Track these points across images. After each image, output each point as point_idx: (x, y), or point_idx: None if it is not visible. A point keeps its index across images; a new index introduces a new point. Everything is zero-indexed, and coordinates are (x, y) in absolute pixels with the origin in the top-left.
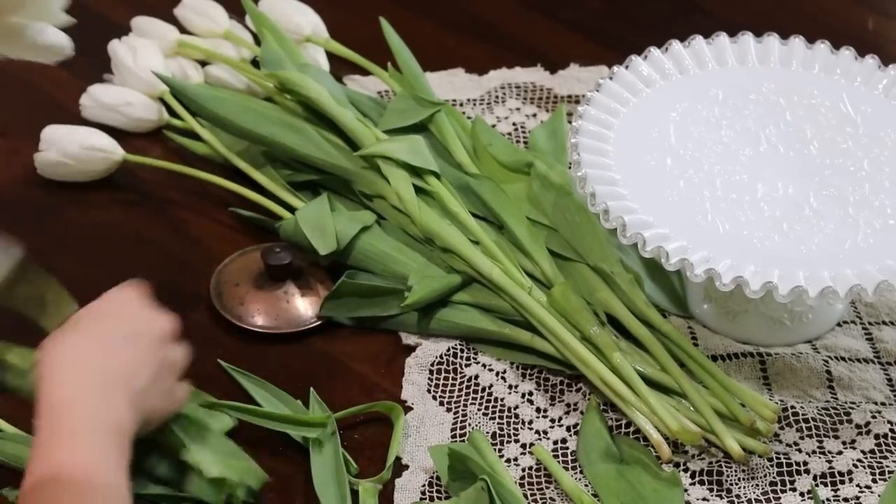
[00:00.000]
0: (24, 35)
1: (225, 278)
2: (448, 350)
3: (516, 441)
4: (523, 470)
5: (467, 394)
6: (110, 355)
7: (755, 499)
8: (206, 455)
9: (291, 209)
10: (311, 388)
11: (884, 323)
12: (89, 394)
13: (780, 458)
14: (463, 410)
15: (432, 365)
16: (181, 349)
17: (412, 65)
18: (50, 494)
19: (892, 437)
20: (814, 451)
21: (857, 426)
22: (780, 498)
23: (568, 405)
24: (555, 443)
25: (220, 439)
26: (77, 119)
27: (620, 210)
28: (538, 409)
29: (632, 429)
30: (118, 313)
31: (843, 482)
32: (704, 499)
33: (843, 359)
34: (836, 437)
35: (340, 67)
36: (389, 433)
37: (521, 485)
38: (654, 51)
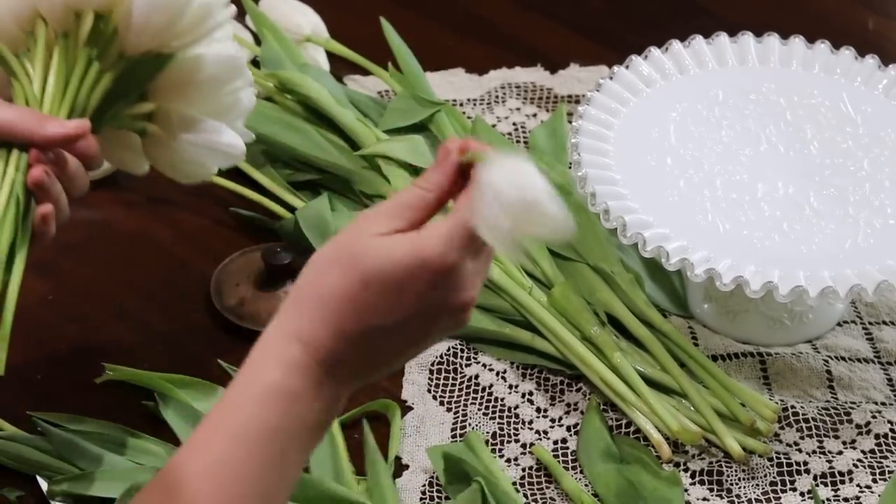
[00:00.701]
0: (198, 129)
1: (225, 278)
2: (448, 350)
3: (516, 441)
4: (523, 470)
5: (467, 394)
6: (368, 345)
7: (755, 499)
8: None
9: (291, 209)
10: None
11: (884, 323)
12: (315, 382)
13: (780, 458)
14: (463, 410)
15: (432, 365)
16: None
17: (412, 65)
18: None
19: (892, 437)
20: (814, 451)
21: (858, 426)
22: (780, 498)
23: (568, 405)
24: (555, 443)
25: None
26: None
27: (620, 210)
28: (538, 409)
29: (632, 429)
30: (415, 295)
31: (843, 482)
32: (705, 499)
33: (843, 359)
34: (837, 437)
35: (340, 67)
36: (389, 433)
37: (522, 485)
38: (654, 51)
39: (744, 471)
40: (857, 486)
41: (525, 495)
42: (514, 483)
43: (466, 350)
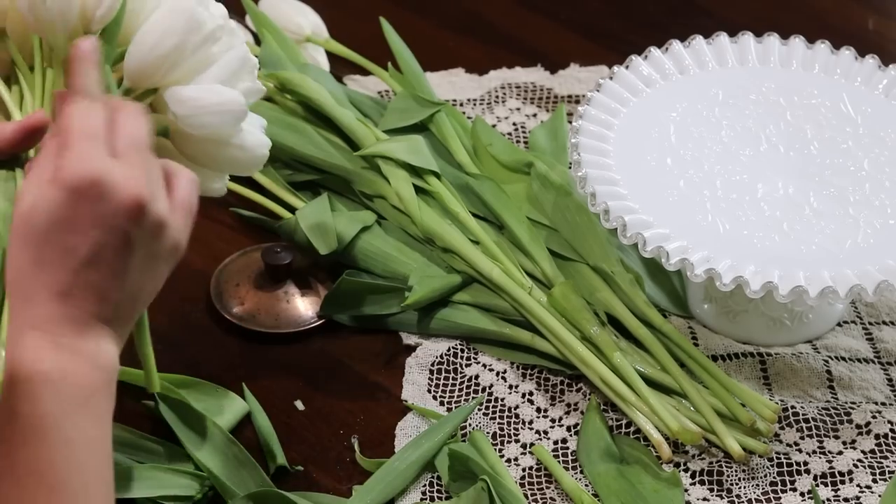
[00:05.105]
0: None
1: (225, 278)
2: (448, 350)
3: (516, 441)
4: (524, 470)
5: (468, 394)
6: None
7: (755, 499)
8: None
9: (292, 209)
10: None
11: (884, 323)
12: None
13: (780, 458)
14: None
15: (432, 365)
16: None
17: (412, 65)
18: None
19: (892, 437)
20: (814, 451)
21: (858, 426)
22: (780, 498)
23: (568, 405)
24: (555, 443)
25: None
26: None
27: (620, 210)
28: (538, 409)
29: (632, 429)
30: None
31: (843, 482)
32: (705, 499)
33: (843, 359)
34: (837, 437)
35: (340, 67)
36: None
37: (522, 485)
38: (654, 51)
39: (744, 471)
40: (858, 486)
41: (525, 495)
42: (515, 483)
43: (466, 350)
